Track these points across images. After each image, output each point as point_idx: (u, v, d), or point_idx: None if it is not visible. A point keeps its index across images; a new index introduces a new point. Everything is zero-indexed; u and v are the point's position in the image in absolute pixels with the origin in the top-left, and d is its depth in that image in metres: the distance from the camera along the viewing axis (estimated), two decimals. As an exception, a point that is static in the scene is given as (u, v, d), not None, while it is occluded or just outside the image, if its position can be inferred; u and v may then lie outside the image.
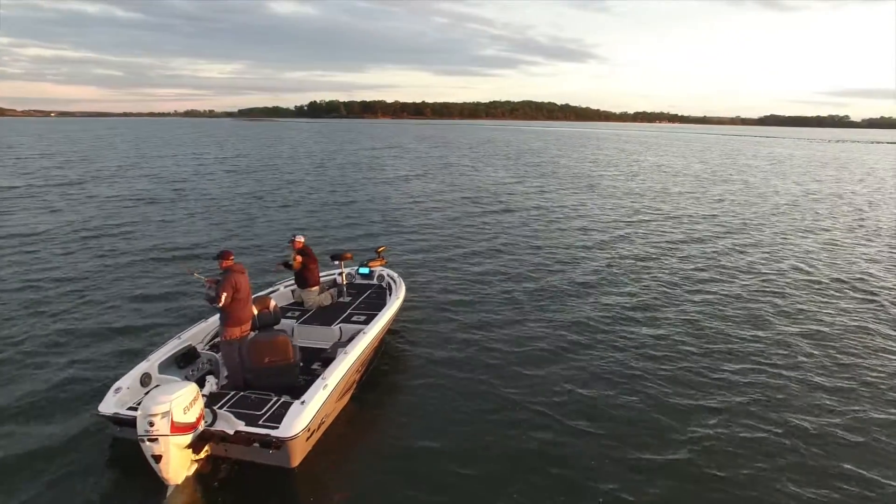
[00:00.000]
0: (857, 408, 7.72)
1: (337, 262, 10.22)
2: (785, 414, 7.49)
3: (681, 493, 5.97)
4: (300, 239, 9.35)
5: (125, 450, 6.44)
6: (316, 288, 9.39)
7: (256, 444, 5.96)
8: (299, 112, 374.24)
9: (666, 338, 9.88)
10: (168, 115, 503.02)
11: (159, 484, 5.85)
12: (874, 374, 8.70)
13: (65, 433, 6.85)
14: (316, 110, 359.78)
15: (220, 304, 6.96)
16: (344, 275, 10.19)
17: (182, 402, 5.72)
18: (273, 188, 28.79)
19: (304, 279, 9.29)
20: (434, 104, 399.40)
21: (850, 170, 48.59)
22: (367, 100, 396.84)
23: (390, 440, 6.83)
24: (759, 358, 9.17)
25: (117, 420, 6.36)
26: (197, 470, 6.09)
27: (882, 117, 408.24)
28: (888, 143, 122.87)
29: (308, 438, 6.20)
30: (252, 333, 7.64)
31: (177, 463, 5.78)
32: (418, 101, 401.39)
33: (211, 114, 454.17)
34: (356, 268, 10.49)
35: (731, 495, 5.95)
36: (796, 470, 6.36)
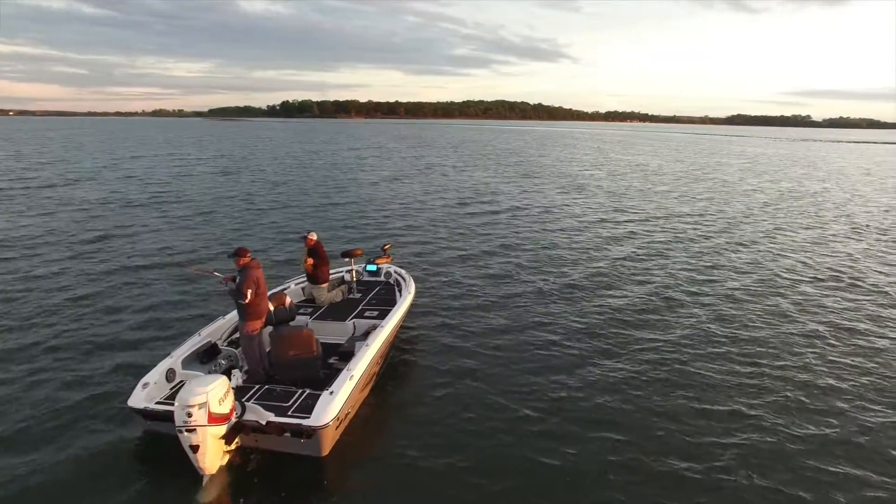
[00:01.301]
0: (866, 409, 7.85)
1: (347, 259, 10.44)
2: (794, 416, 7.57)
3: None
4: (312, 236, 9.60)
5: (155, 443, 6.65)
6: (326, 284, 9.63)
7: (288, 434, 6.18)
8: (271, 112, 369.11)
9: (677, 342, 9.92)
10: (135, 114, 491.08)
11: (191, 475, 6.05)
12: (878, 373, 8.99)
13: (94, 428, 7.03)
14: (288, 110, 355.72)
15: (247, 301, 7.14)
16: (354, 272, 10.42)
17: (217, 393, 5.93)
18: (264, 189, 28.70)
19: (315, 276, 9.52)
20: (407, 104, 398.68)
21: (819, 168, 50.57)
22: (340, 99, 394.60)
23: (411, 430, 7.11)
24: (770, 358, 9.35)
25: (147, 413, 6.50)
26: (229, 461, 6.29)
27: (841, 117, 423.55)
28: (848, 142, 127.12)
29: (337, 428, 6.44)
30: (268, 328, 7.84)
31: (212, 453, 5.97)
32: (391, 100, 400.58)
33: (180, 113, 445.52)
34: (363, 265, 10.71)
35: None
36: (799, 471, 6.48)
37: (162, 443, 6.50)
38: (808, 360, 9.37)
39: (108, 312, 10.85)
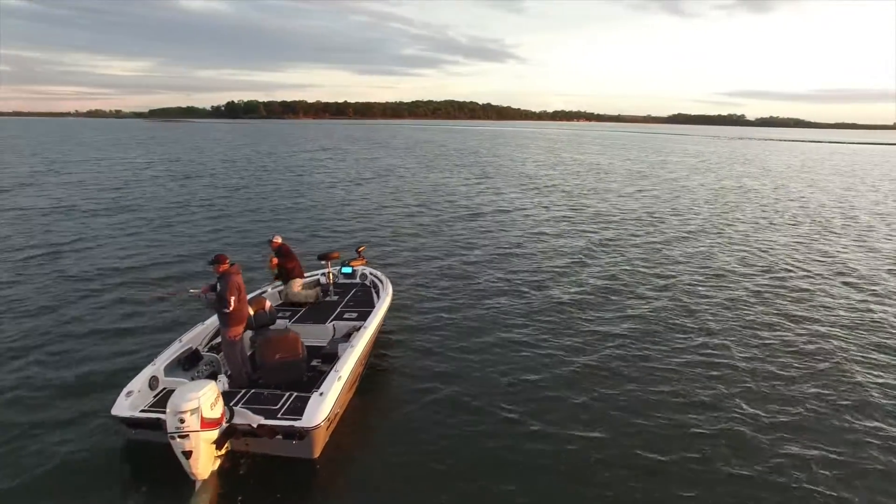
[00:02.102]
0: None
1: (324, 262, 10.51)
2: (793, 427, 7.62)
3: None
4: (277, 238, 9.86)
5: (140, 451, 6.64)
6: (300, 281, 9.81)
7: (279, 437, 6.28)
8: (216, 112, 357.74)
9: (644, 333, 10.43)
10: (68, 114, 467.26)
11: (180, 482, 6.09)
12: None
13: (77, 437, 6.96)
14: (234, 111, 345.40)
15: (230, 309, 7.15)
16: (330, 274, 10.49)
17: (209, 398, 5.99)
18: (222, 194, 27.97)
19: (286, 273, 9.73)
20: (356, 104, 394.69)
21: (769, 166, 53.30)
22: (288, 100, 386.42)
23: (396, 429, 7.33)
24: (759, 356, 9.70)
25: (132, 422, 6.47)
26: (220, 466, 6.34)
27: (772, 116, 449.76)
28: (779, 140, 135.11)
29: (327, 428, 6.57)
30: (248, 332, 7.89)
31: (205, 458, 6.04)
32: (340, 100, 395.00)
33: (118, 114, 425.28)
34: (338, 268, 10.80)
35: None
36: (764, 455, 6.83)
37: (148, 451, 6.53)
38: (762, 345, 10.06)
39: (76, 323, 10.57)
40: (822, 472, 6.60)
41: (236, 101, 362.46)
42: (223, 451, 6.35)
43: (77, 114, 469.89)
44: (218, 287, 7.37)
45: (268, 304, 8.50)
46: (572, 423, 7.48)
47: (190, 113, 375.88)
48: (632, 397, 8.18)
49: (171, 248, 16.68)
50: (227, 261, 7.48)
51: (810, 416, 7.77)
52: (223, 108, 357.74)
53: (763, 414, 7.77)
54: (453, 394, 8.15)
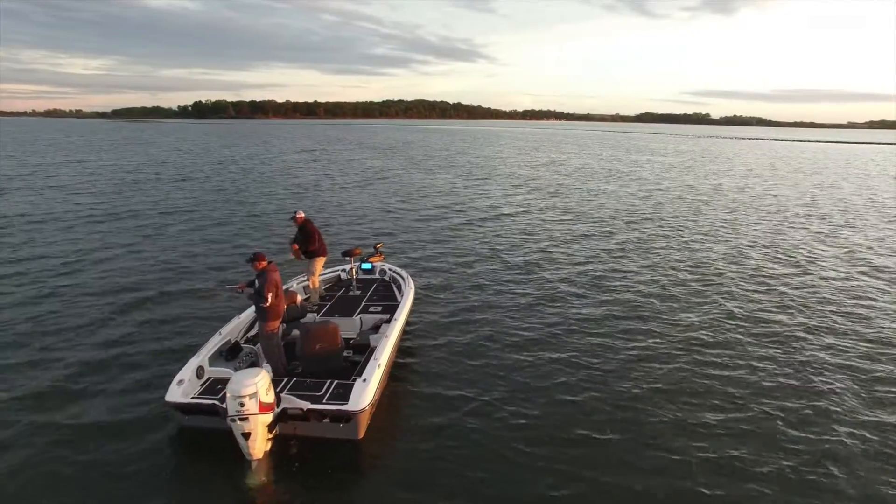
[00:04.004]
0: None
1: (348, 258, 10.99)
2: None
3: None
4: (301, 214, 10.33)
5: (193, 436, 7.10)
6: (322, 259, 10.34)
7: (327, 420, 6.77)
8: (183, 112, 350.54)
9: (693, 345, 10.19)
10: (24, 114, 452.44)
11: (231, 465, 6.54)
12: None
13: (130, 425, 7.38)
14: (201, 111, 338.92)
15: (268, 304, 7.58)
16: (353, 270, 10.98)
17: (264, 384, 6.46)
18: (224, 197, 27.43)
19: (311, 251, 10.19)
20: (327, 104, 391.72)
21: (722, 162, 54.88)
22: (257, 99, 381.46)
23: (428, 413, 7.77)
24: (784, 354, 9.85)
25: (186, 408, 6.89)
26: (271, 447, 6.78)
27: (735, 115, 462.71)
28: (742, 138, 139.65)
29: (370, 412, 7.07)
30: (283, 326, 8.33)
31: (261, 440, 6.50)
32: (310, 100, 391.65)
33: (79, 114, 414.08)
34: (358, 264, 11.28)
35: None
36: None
37: (200, 436, 6.98)
38: (732, 337, 10.57)
39: (121, 315, 11.19)
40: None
41: (204, 101, 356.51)
42: (273, 434, 6.80)
43: (34, 113, 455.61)
44: (256, 283, 7.79)
45: (298, 298, 8.94)
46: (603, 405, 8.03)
47: (155, 113, 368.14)
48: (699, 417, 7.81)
49: (197, 246, 17.00)
50: (265, 258, 7.91)
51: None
52: (190, 108, 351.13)
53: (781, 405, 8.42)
54: (477, 381, 8.63)
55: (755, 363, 9.47)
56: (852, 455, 7.02)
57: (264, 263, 7.85)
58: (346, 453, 6.88)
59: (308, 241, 10.17)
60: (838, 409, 8.04)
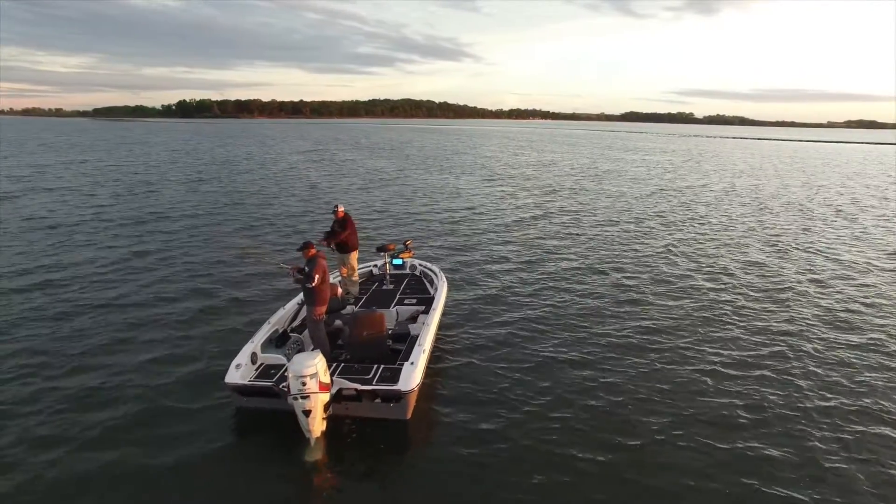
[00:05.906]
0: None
1: (382, 254, 11.58)
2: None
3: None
4: (341, 208, 10.86)
5: (250, 417, 7.65)
6: (356, 253, 10.80)
7: (379, 400, 7.23)
8: (167, 112, 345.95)
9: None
10: (1, 112, 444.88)
11: (288, 443, 7.05)
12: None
13: (191, 407, 7.92)
14: (186, 110, 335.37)
15: (314, 284, 8.08)
16: (387, 265, 11.55)
17: (322, 366, 6.97)
18: (245, 196, 27.91)
19: (345, 244, 10.67)
20: (313, 103, 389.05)
21: (708, 161, 55.96)
22: (242, 98, 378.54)
23: (469, 397, 8.28)
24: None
25: (245, 390, 7.31)
26: (326, 426, 7.21)
27: (718, 115, 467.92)
28: (727, 137, 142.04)
29: (417, 394, 7.54)
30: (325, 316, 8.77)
31: (319, 418, 6.94)
32: (296, 99, 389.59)
33: (59, 112, 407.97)
34: (390, 260, 11.76)
35: None
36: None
37: (256, 417, 7.57)
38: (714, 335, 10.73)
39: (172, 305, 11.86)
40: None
41: (188, 100, 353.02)
42: (327, 414, 7.23)
43: (11, 111, 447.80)
44: (306, 269, 8.31)
45: (339, 290, 9.44)
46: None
47: (139, 112, 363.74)
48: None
49: (232, 244, 17.36)
50: (315, 247, 8.57)
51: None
52: (174, 108, 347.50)
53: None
54: (514, 369, 9.11)
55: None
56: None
57: (313, 251, 8.53)
58: (396, 432, 7.39)
59: (346, 234, 10.57)
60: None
